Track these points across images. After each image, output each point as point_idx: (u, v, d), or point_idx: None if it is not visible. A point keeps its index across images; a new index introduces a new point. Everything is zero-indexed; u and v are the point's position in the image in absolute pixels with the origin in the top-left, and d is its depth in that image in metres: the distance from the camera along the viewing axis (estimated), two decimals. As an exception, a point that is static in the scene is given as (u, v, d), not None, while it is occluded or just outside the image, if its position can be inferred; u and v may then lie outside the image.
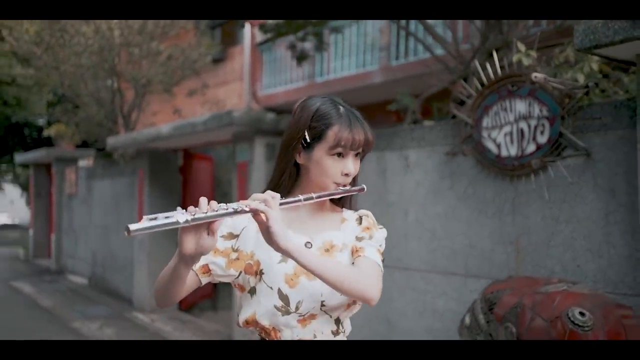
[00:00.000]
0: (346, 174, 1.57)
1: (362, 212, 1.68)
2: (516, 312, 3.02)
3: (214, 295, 8.53)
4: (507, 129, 3.62)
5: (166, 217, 1.30)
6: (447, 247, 4.02)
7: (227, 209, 1.37)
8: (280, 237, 1.37)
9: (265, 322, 1.54)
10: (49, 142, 16.76)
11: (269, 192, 1.44)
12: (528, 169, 3.51)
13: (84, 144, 11.92)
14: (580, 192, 3.30)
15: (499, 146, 3.67)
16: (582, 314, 2.69)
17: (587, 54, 3.02)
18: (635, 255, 3.03)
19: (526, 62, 3.43)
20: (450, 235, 4.00)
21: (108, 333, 6.71)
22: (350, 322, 1.63)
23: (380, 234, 1.64)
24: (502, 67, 3.71)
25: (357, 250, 1.57)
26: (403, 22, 6.43)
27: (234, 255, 1.58)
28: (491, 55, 4.09)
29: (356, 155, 1.59)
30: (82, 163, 11.62)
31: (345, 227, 1.63)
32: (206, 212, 1.35)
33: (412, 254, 4.26)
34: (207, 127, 5.76)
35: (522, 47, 3.51)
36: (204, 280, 1.59)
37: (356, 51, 8.97)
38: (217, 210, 1.36)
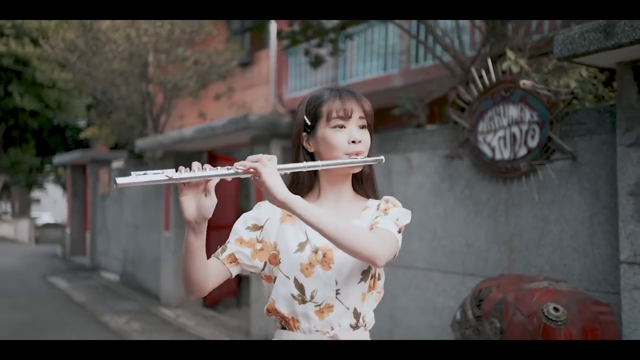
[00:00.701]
0: (353, 141, 1.55)
1: (385, 197, 1.66)
2: (500, 308, 3.18)
3: (238, 292, 8.81)
4: (500, 133, 3.77)
5: (155, 174, 1.29)
6: (447, 247, 4.18)
7: (217, 170, 1.37)
8: (276, 189, 1.37)
9: (284, 311, 1.57)
10: (86, 144, 17.37)
11: (265, 154, 1.45)
12: (520, 172, 3.65)
13: (117, 146, 12.37)
14: (567, 194, 3.44)
15: (493, 150, 3.82)
16: (556, 309, 2.84)
17: (567, 62, 3.16)
18: (617, 255, 3.15)
19: (515, 69, 3.58)
20: (449, 235, 4.16)
21: (135, 327, 7.04)
22: (373, 317, 1.62)
23: (399, 210, 1.60)
24: (503, 73, 3.85)
25: (371, 226, 1.55)
26: (413, 28, 6.59)
27: (258, 246, 1.60)
28: (498, 59, 4.24)
29: (362, 127, 1.59)
30: (116, 164, 12.08)
31: (366, 214, 1.62)
32: (195, 171, 1.36)
33: (414, 253, 4.44)
34: (225, 131, 6.02)
35: (512, 54, 3.65)
36: (233, 270, 1.60)
37: (377, 55, 9.15)
38: (206, 169, 1.37)
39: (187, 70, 8.72)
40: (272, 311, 1.59)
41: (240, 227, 1.63)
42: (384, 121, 7.07)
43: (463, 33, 5.98)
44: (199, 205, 1.41)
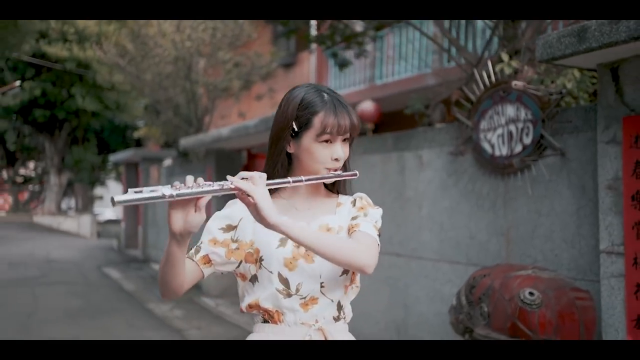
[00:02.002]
0: (336, 159, 1.59)
1: (357, 194, 1.69)
2: (488, 294, 3.41)
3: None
4: (499, 131, 3.99)
5: (151, 191, 1.32)
6: (452, 238, 4.42)
7: (212, 186, 1.39)
8: (268, 213, 1.39)
9: (268, 306, 1.58)
10: (140, 143, 18.21)
11: (256, 172, 1.46)
12: (515, 167, 3.87)
13: (167, 145, 13.01)
14: (557, 188, 3.64)
15: (493, 146, 4.04)
16: (531, 293, 3.07)
17: (548, 64, 3.36)
18: (599, 245, 3.34)
19: (507, 71, 3.80)
20: (455, 227, 4.40)
21: (177, 314, 7.53)
22: (350, 308, 1.66)
23: (376, 212, 1.64)
24: (516, 73, 4.05)
25: (352, 227, 1.59)
26: (429, 30, 6.79)
27: (233, 246, 1.61)
28: (502, 61, 4.44)
29: (344, 140, 1.61)
30: (166, 162, 12.72)
31: (341, 211, 1.65)
32: (191, 188, 1.37)
33: (425, 244, 4.69)
34: (257, 130, 6.41)
35: (505, 57, 3.87)
36: (206, 271, 1.61)
37: (412, 54, 9.36)
38: (202, 187, 1.38)
39: (229, 72, 9.18)
40: (255, 307, 1.60)
41: (214, 227, 1.63)
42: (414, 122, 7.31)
43: (480, 35, 6.17)
44: (187, 220, 1.41)
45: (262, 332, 1.60)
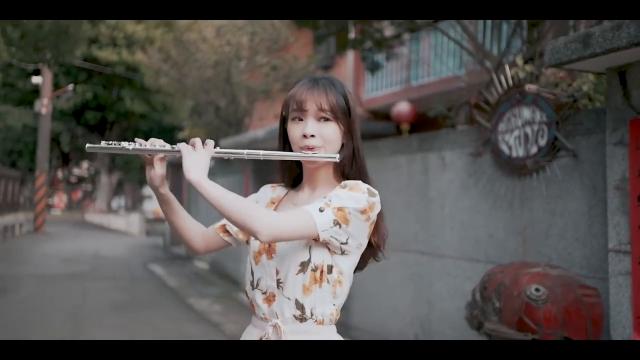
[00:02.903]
0: (304, 135, 1.53)
1: (353, 181, 1.58)
2: (500, 290, 3.55)
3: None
4: (516, 132, 4.11)
5: (116, 144, 1.55)
6: (472, 237, 4.55)
7: (163, 146, 1.54)
8: (188, 168, 1.44)
9: (249, 294, 1.64)
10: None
11: (206, 139, 1.54)
12: (531, 168, 3.98)
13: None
14: (570, 188, 3.74)
15: (510, 148, 4.16)
16: (537, 289, 3.19)
17: (557, 68, 3.47)
18: (608, 244, 3.43)
19: (521, 75, 3.91)
20: (475, 226, 4.53)
21: (215, 309, 7.85)
22: (332, 311, 1.57)
23: (343, 191, 1.52)
24: (537, 77, 4.17)
25: None
26: (452, 32, 6.89)
27: None
28: (526, 62, 4.55)
29: (323, 119, 1.54)
30: (211, 163, 13.11)
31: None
32: (145, 146, 1.53)
33: (447, 242, 4.84)
34: (290, 132, 6.64)
35: (520, 61, 3.98)
36: (226, 238, 1.72)
37: (447, 55, 9.44)
38: (155, 146, 1.54)
39: (267, 75, 9.47)
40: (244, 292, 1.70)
41: None
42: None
43: (505, 38, 6.24)
44: (150, 173, 1.58)
45: (250, 321, 1.67)
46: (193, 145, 1.50)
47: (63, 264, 11.83)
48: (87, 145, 1.54)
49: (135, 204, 30.75)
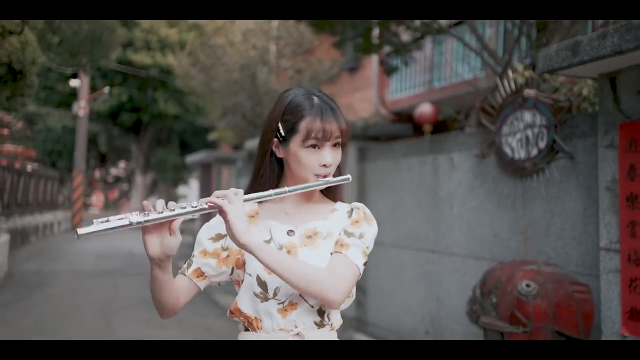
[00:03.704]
0: (324, 165, 1.53)
1: (354, 204, 1.64)
2: (497, 286, 3.72)
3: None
4: (518, 135, 4.26)
5: (119, 219, 1.30)
6: (479, 236, 4.71)
7: (184, 208, 1.37)
8: (239, 232, 1.38)
9: (247, 310, 1.53)
10: (215, 145, 19.19)
11: (232, 188, 1.45)
12: (531, 170, 4.13)
13: (238, 147, 13.75)
14: (567, 189, 3.88)
15: (512, 150, 4.31)
16: (528, 285, 3.35)
17: (550, 74, 3.62)
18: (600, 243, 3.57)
19: (520, 80, 4.06)
20: (481, 225, 4.69)
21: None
22: (339, 316, 1.59)
23: (371, 231, 1.58)
24: (535, 81, 4.30)
25: (341, 245, 1.53)
26: (465, 35, 7.01)
27: (224, 254, 1.57)
28: (532, 68, 4.69)
29: (334, 145, 1.56)
30: (239, 163, 13.46)
31: (334, 217, 1.61)
32: (161, 212, 1.35)
33: (455, 241, 5.00)
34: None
35: (520, 67, 4.13)
36: (201, 284, 1.58)
37: (468, 58, 9.54)
38: (173, 210, 1.36)
39: (291, 78, 9.72)
40: (235, 312, 1.57)
41: (204, 237, 1.61)
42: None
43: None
44: (163, 243, 1.39)
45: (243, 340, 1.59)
46: (228, 199, 1.41)
47: (97, 261, 12.30)
48: (77, 231, 1.30)
49: (169, 203, 31.37)
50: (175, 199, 33.09)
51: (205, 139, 29.00)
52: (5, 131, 18.90)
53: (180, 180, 30.59)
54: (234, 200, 1.40)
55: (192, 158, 15.15)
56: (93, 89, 22.25)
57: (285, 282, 1.42)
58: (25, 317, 6.89)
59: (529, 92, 3.97)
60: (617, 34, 2.99)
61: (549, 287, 3.40)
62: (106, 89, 21.42)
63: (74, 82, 20.58)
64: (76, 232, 1.28)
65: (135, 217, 1.31)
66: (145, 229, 1.37)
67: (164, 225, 1.38)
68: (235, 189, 1.45)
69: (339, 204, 1.65)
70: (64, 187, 25.76)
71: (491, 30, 8.68)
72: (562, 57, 3.33)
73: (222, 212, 1.39)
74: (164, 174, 28.52)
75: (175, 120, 26.16)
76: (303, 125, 1.53)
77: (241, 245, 1.39)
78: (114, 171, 37.85)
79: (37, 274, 10.16)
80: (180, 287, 1.55)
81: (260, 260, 1.40)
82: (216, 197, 1.41)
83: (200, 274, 1.57)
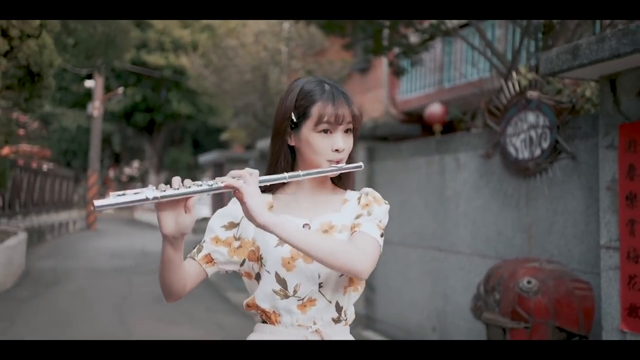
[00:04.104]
0: (336, 150, 1.53)
1: (364, 190, 1.64)
2: (500, 283, 3.81)
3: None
4: (522, 136, 4.35)
5: (135, 193, 1.29)
6: (484, 234, 4.81)
7: (200, 186, 1.35)
8: (257, 212, 1.35)
9: (265, 306, 1.53)
10: (227, 145, 19.37)
11: (247, 168, 1.42)
12: (535, 170, 4.22)
13: (250, 147, 13.90)
14: (569, 189, 3.97)
15: (517, 150, 4.40)
16: (529, 282, 3.45)
17: (551, 77, 3.71)
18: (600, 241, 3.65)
19: (524, 82, 4.15)
20: (486, 224, 4.78)
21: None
22: (353, 310, 1.60)
23: (381, 209, 1.58)
24: (538, 83, 4.38)
25: (354, 227, 1.54)
26: (469, 36, 7.09)
27: (236, 244, 1.56)
28: (536, 70, 4.77)
29: (346, 131, 1.56)
30: (251, 163, 13.62)
31: (346, 208, 1.60)
32: (177, 189, 1.34)
33: (461, 239, 5.10)
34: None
35: (523, 69, 4.22)
36: (209, 270, 1.57)
37: (478, 59, 9.61)
38: (189, 187, 1.34)
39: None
40: (252, 306, 1.57)
41: (216, 225, 1.59)
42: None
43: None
44: (177, 221, 1.37)
45: (261, 333, 1.57)
46: (243, 179, 1.39)
47: (111, 259, 12.50)
48: (94, 202, 1.26)
49: (182, 202, 31.66)
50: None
51: (218, 138, 29.26)
52: (21, 131, 19.22)
53: (193, 179, 30.78)
54: (250, 180, 1.38)
55: (204, 158, 15.33)
56: (107, 89, 22.53)
57: (312, 257, 1.41)
58: (43, 312, 7.08)
59: (532, 94, 4.06)
60: (615, 38, 3.07)
61: (550, 284, 3.49)
62: (120, 90, 21.68)
63: (88, 83, 20.86)
64: (93, 203, 1.25)
65: (152, 192, 1.29)
66: (160, 206, 1.35)
67: (179, 202, 1.36)
68: (250, 169, 1.42)
69: (349, 193, 1.64)
70: (78, 186, 26.07)
71: (500, 31, 8.74)
72: (563, 60, 3.42)
73: (237, 193, 1.37)
74: (177, 174, 28.68)
75: (188, 120, 26.40)
76: (315, 110, 1.52)
77: (260, 225, 1.37)
78: (127, 171, 38.20)
79: (53, 271, 10.37)
80: (188, 271, 1.53)
81: (281, 238, 1.38)
82: (232, 177, 1.39)
83: (209, 260, 1.56)
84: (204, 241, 1.58)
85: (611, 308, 3.44)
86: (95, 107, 20.77)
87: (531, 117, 4.25)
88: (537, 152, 4.20)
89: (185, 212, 1.36)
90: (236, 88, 10.16)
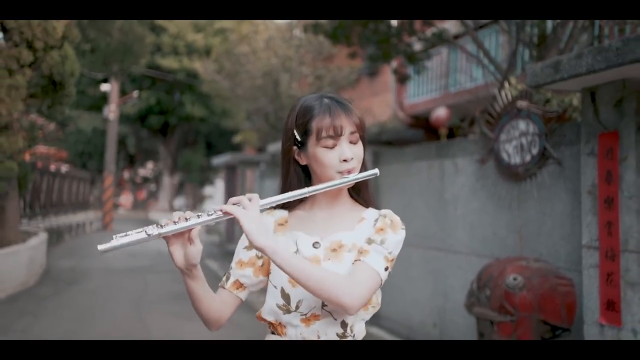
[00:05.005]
0: (344, 160, 1.52)
1: (383, 211, 1.60)
2: (490, 280, 4.10)
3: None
4: (514, 142, 4.64)
5: (137, 233, 1.35)
6: (480, 235, 5.10)
7: (200, 217, 1.39)
8: (254, 235, 1.37)
9: (270, 318, 1.56)
10: (240, 148, 19.73)
11: (247, 194, 1.47)
12: (525, 174, 4.50)
13: (262, 149, 14.24)
14: (557, 192, 4.25)
15: (509, 156, 4.69)
16: (515, 279, 3.74)
17: (537, 88, 3.99)
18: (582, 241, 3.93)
19: (513, 93, 4.44)
20: (481, 225, 5.07)
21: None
22: (364, 327, 1.58)
23: (395, 238, 1.55)
24: (528, 93, 4.66)
25: (361, 253, 1.52)
26: (467, 46, 7.37)
27: (259, 263, 1.59)
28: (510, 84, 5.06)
29: (352, 140, 1.54)
30: (262, 166, 13.97)
31: (361, 227, 1.58)
32: (176, 224, 1.38)
33: (459, 240, 5.39)
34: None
35: (513, 80, 4.50)
36: (241, 295, 1.59)
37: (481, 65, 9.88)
38: (188, 219, 1.38)
39: (311, 84, 10.18)
40: (260, 318, 1.61)
41: (240, 247, 1.63)
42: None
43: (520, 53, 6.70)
44: (185, 253, 1.42)
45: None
46: (242, 204, 1.43)
47: (128, 259, 12.90)
48: (99, 246, 1.36)
49: (196, 203, 32.13)
50: (202, 199, 33.78)
51: (230, 140, 29.70)
52: (39, 133, 19.71)
53: (206, 181, 31.24)
54: (248, 206, 1.41)
55: (217, 160, 15.71)
56: (123, 92, 23.00)
57: (301, 286, 1.41)
58: (64, 308, 7.46)
59: (521, 104, 4.35)
60: (591, 55, 3.36)
61: (535, 281, 3.78)
62: (135, 93, 22.15)
63: (104, 87, 21.34)
64: (98, 247, 1.33)
65: (152, 229, 1.35)
66: (169, 241, 1.41)
67: (183, 235, 1.41)
68: (250, 195, 1.46)
69: (368, 212, 1.62)
70: (94, 187, 26.58)
71: (504, 37, 8.99)
72: (546, 74, 3.70)
73: (237, 219, 1.40)
74: (190, 175, 29.21)
75: (201, 123, 26.83)
76: (314, 124, 1.52)
77: (257, 248, 1.39)
78: (142, 172, 38.77)
79: (73, 270, 10.78)
80: (222, 300, 1.57)
81: (276, 264, 1.40)
82: (231, 203, 1.43)
83: (239, 285, 1.59)
84: (231, 267, 1.62)
85: (591, 303, 3.72)
86: (111, 110, 21.24)
87: (522, 124, 4.54)
88: (528, 157, 4.48)
89: (190, 244, 1.41)
90: (248, 92, 10.50)
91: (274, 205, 1.49)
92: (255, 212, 1.41)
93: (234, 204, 1.42)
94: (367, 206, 1.62)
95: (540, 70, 3.76)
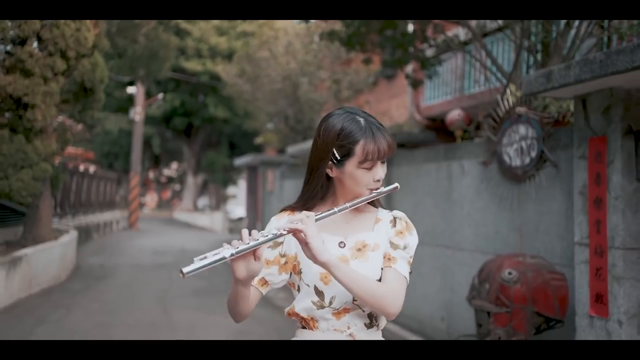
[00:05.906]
0: (377, 180, 1.68)
1: (396, 213, 1.77)
2: (489, 275, 4.40)
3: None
4: (515, 146, 4.92)
5: (214, 255, 1.49)
6: (484, 233, 5.38)
7: (266, 236, 1.53)
8: (319, 252, 1.53)
9: (304, 314, 1.69)
10: (261, 149, 20.14)
11: (304, 212, 1.61)
12: (524, 176, 4.78)
13: (282, 151, 14.61)
14: (553, 193, 4.53)
15: (510, 158, 4.97)
16: (509, 273, 4.03)
17: (532, 96, 4.27)
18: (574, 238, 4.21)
19: (512, 99, 4.72)
20: (486, 224, 5.36)
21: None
22: (385, 318, 1.72)
23: (413, 241, 1.73)
24: (527, 99, 4.92)
25: (389, 259, 1.68)
26: (504, 47, 7.61)
27: (282, 261, 1.72)
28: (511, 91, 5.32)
29: (382, 162, 1.70)
30: (283, 167, 14.35)
31: (379, 228, 1.74)
32: (248, 243, 1.51)
33: (465, 238, 5.68)
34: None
35: (512, 87, 4.78)
36: (264, 290, 1.74)
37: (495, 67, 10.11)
38: (257, 239, 1.52)
39: (329, 88, 10.52)
40: (292, 314, 1.73)
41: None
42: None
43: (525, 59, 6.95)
44: (248, 268, 1.55)
45: (301, 337, 1.73)
46: (302, 222, 1.57)
47: (153, 256, 13.37)
48: (183, 270, 1.48)
49: (219, 203, 32.67)
50: (225, 198, 34.33)
51: (253, 141, 30.17)
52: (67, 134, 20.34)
53: (229, 181, 31.73)
54: (308, 222, 1.56)
55: (239, 161, 16.13)
56: (148, 95, 23.58)
57: (354, 295, 1.59)
58: (95, 301, 7.91)
59: (520, 110, 4.63)
60: (579, 66, 3.64)
61: (529, 275, 4.06)
62: (160, 96, 22.70)
63: (130, 89, 21.91)
64: (181, 271, 1.48)
65: (228, 250, 1.49)
66: (234, 258, 1.53)
67: (248, 253, 1.53)
68: (307, 212, 1.61)
69: (380, 212, 1.78)
70: (121, 187, 27.23)
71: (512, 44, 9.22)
72: (539, 83, 3.99)
73: (298, 235, 1.55)
74: (214, 175, 29.73)
75: (224, 124, 27.31)
76: (359, 149, 1.64)
77: (319, 263, 1.54)
78: (166, 172, 39.47)
79: (101, 267, 11.27)
80: (252, 299, 1.71)
81: (335, 277, 1.56)
82: (291, 222, 1.57)
83: (264, 282, 1.72)
84: None
85: (582, 296, 4.00)
86: (137, 112, 21.82)
87: (522, 129, 4.82)
88: (527, 160, 4.76)
89: (255, 260, 1.54)
90: (268, 96, 10.87)
91: (323, 218, 1.64)
92: (315, 229, 1.56)
93: (294, 222, 1.58)
94: (375, 206, 1.79)
95: (534, 79, 4.04)
